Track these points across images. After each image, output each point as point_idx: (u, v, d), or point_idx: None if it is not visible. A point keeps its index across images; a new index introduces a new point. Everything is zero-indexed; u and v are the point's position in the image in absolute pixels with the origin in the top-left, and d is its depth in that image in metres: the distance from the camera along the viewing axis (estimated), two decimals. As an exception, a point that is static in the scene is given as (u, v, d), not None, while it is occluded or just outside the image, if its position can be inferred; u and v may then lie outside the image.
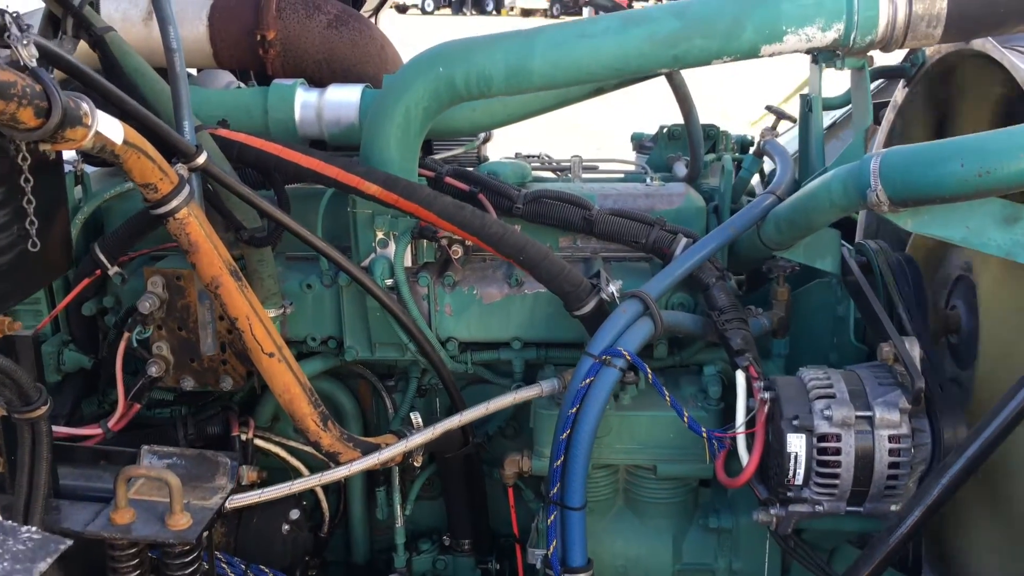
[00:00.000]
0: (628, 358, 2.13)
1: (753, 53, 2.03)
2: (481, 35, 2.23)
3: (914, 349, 2.02)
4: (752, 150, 2.77)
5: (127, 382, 2.33)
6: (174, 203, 1.90)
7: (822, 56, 2.09)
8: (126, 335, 2.28)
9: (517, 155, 3.23)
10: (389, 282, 2.35)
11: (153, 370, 2.31)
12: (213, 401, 2.57)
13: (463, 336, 2.47)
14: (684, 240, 2.37)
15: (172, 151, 1.98)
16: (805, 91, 2.77)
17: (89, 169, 2.64)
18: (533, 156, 3.16)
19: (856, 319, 2.47)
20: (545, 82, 2.18)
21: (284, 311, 2.37)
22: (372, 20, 4.04)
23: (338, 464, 2.17)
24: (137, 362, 2.41)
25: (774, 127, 2.65)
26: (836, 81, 3.05)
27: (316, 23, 2.80)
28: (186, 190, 1.93)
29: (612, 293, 2.23)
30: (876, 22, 1.96)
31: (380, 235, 2.36)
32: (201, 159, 1.98)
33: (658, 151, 3.16)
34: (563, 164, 2.97)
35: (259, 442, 2.55)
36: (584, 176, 2.98)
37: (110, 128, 1.68)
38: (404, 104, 2.24)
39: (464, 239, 2.28)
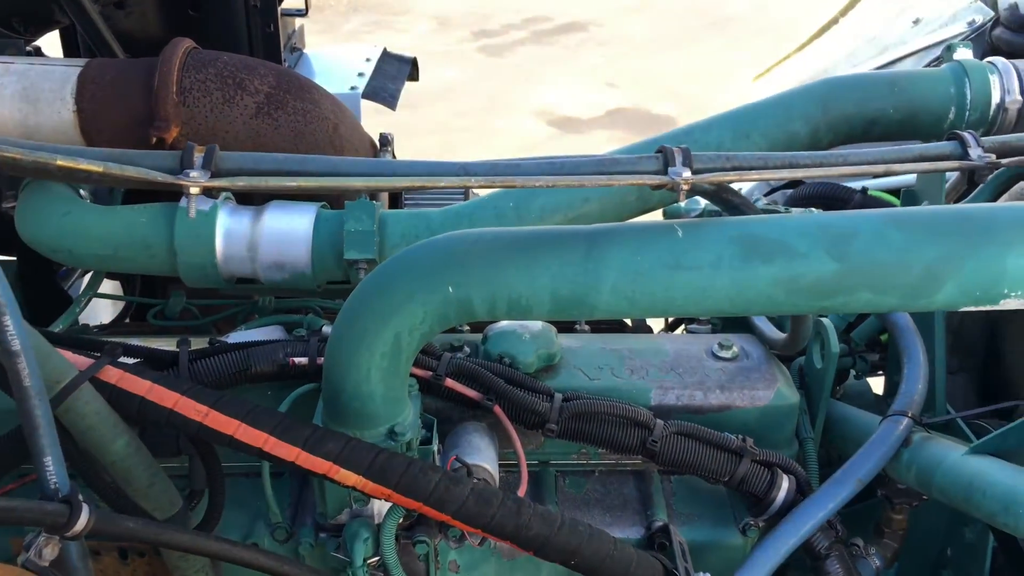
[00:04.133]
0: None
1: (948, 309, 1.32)
2: (512, 233, 1.44)
3: None
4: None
5: None
6: None
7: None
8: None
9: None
10: (373, 561, 1.65)
11: None
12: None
13: (475, 597, 1.82)
14: (786, 484, 1.72)
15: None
16: (910, 185, 2.06)
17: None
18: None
19: (993, 547, 1.89)
20: (612, 316, 1.43)
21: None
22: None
23: None
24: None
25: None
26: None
27: (239, 110, 1.94)
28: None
29: (696, 594, 1.59)
30: None
31: (359, 492, 1.64)
32: (80, 524, 1.20)
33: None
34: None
35: None
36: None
37: None
38: (394, 330, 1.47)
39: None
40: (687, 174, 1.35)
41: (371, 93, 3.43)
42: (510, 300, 1.42)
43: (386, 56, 3.95)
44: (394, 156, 2.46)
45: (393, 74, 3.91)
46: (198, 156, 1.19)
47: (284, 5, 3.53)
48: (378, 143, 2.41)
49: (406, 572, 1.69)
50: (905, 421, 1.70)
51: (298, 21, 3.88)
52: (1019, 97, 1.90)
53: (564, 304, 1.40)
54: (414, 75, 3.98)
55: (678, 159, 1.36)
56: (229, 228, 1.85)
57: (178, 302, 2.16)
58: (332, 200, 2.01)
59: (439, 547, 1.75)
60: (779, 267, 1.31)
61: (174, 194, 1.45)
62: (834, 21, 4.73)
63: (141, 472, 1.47)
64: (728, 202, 1.46)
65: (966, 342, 2.33)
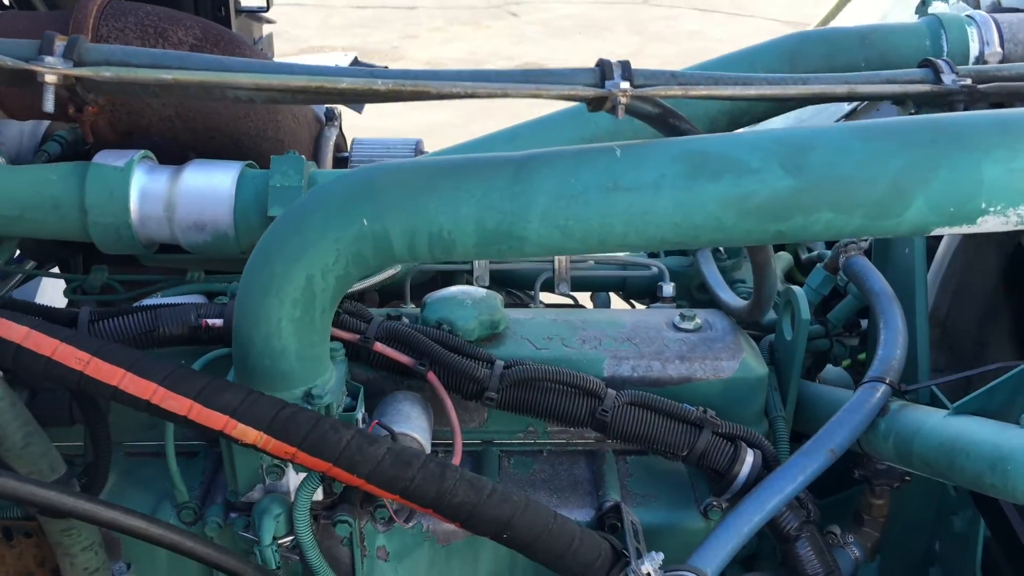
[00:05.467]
0: None
1: (916, 234, 1.17)
2: (434, 162, 1.29)
3: None
4: (826, 262, 1.90)
5: None
6: None
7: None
8: None
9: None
10: (286, 541, 1.46)
11: None
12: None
13: (407, 587, 1.63)
14: (751, 458, 1.54)
15: None
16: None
17: None
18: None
19: (986, 538, 1.70)
20: (544, 252, 1.27)
21: (116, 592, 1.49)
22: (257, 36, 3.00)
23: None
24: None
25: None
26: None
27: (163, 60, 1.78)
28: None
29: (647, 575, 1.40)
30: None
31: (270, 462, 1.46)
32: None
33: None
34: (543, 259, 2.08)
35: None
36: (574, 272, 2.10)
37: None
38: (305, 272, 1.31)
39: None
40: (625, 86, 1.20)
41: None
42: (431, 234, 1.26)
43: (356, 63, 3.84)
44: (342, 132, 2.32)
45: (363, 81, 3.79)
46: (59, 44, 1.05)
47: (245, 3, 3.43)
48: (324, 118, 2.28)
49: (328, 560, 1.51)
50: (882, 388, 1.53)
51: (266, 28, 3.77)
52: (999, 49, 1.77)
53: (491, 237, 1.25)
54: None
55: (616, 72, 1.22)
56: (145, 186, 1.69)
57: (99, 276, 2.00)
58: (261, 161, 1.86)
59: (366, 531, 1.57)
60: (728, 185, 1.16)
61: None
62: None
63: (15, 430, 1.30)
64: (675, 128, 1.31)
65: (952, 340, 2.17)
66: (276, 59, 3.74)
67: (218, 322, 1.57)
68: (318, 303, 1.35)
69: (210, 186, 1.71)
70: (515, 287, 2.16)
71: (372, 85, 1.11)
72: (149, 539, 1.30)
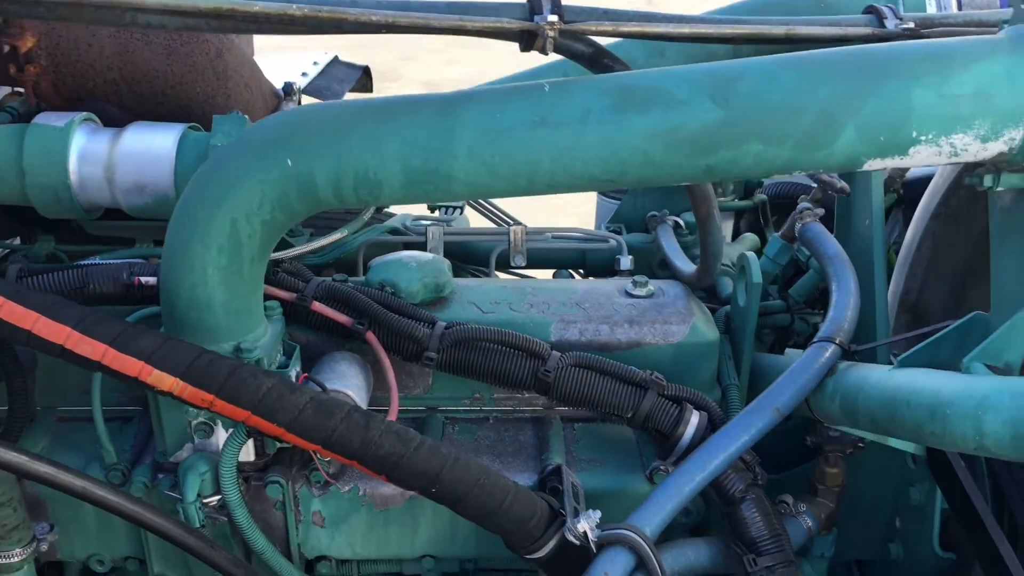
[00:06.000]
0: (613, 663, 1.28)
1: (849, 167, 1.13)
2: (360, 102, 1.26)
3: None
4: (782, 231, 1.87)
5: None
6: None
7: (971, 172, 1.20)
8: None
9: (431, 207, 2.29)
10: (214, 501, 1.41)
11: None
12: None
13: (343, 555, 1.58)
14: (696, 419, 1.50)
15: None
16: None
17: None
18: (455, 206, 2.22)
19: (943, 510, 1.65)
20: (472, 192, 1.24)
21: (36, 547, 1.43)
22: None
23: None
24: None
25: (817, 200, 1.76)
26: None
27: (107, 21, 1.75)
28: None
29: (583, 534, 1.35)
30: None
31: (198, 419, 1.41)
32: None
33: (632, 198, 2.25)
34: (499, 232, 2.04)
35: None
36: (530, 245, 2.06)
37: None
38: (228, 216, 1.28)
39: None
40: (554, 19, 1.17)
41: (313, 91, 3.28)
42: (357, 174, 1.22)
43: (336, 61, 3.82)
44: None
45: (341, 77, 3.77)
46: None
47: None
48: (282, 91, 2.25)
49: (261, 526, 1.47)
50: (831, 348, 1.49)
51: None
52: (956, 11, 1.75)
53: (417, 176, 1.21)
54: (368, 85, 3.85)
55: (546, 6, 1.18)
56: (85, 147, 1.65)
57: (44, 246, 1.96)
58: (206, 125, 1.83)
59: (300, 495, 1.52)
60: (656, 117, 1.13)
61: None
62: None
63: None
64: (607, 68, 1.27)
65: (922, 325, 2.14)
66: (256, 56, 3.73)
67: (152, 280, 1.53)
68: (245, 251, 1.31)
69: (151, 147, 1.67)
70: (470, 262, 2.12)
71: (287, 10, 1.08)
72: (66, 490, 1.25)
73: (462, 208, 2.28)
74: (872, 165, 1.12)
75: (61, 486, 1.26)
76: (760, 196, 2.24)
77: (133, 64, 1.79)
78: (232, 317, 1.37)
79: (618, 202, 2.28)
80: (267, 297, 1.51)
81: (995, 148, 1.09)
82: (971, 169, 1.19)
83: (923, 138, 1.08)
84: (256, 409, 1.23)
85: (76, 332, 1.22)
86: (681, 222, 2.11)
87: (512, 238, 1.99)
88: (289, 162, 1.23)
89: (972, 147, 1.09)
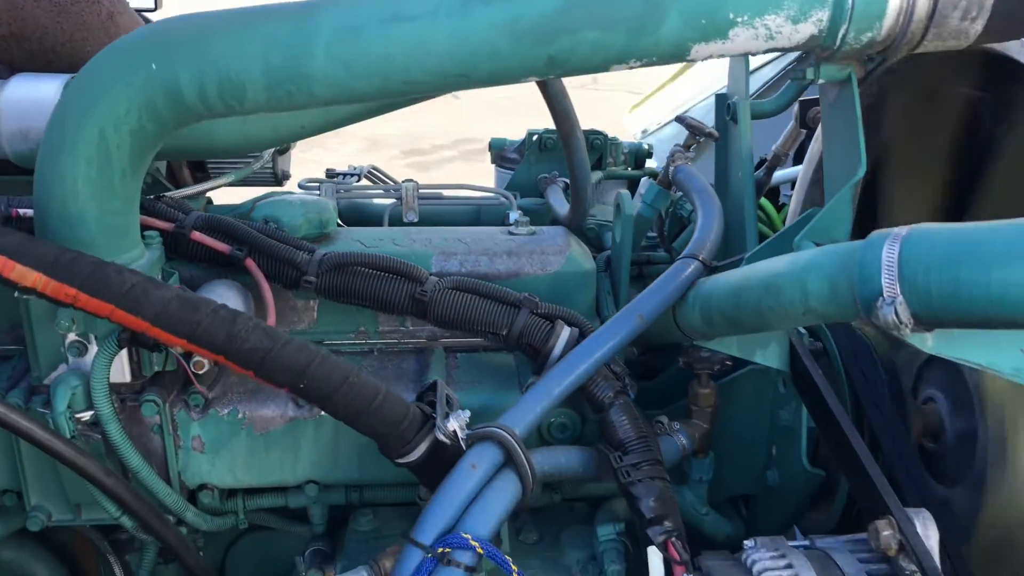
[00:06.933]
0: (480, 551, 1.30)
1: (679, 54, 1.22)
2: (223, 10, 1.32)
3: (930, 533, 1.28)
4: (658, 178, 1.96)
5: None
6: None
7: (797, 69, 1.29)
8: None
9: (328, 174, 2.34)
10: (86, 416, 1.42)
11: None
12: None
13: (225, 482, 1.58)
14: (566, 333, 1.55)
15: None
16: (721, 89, 1.99)
17: None
18: (352, 174, 2.27)
19: (809, 429, 1.73)
20: (333, 93, 1.29)
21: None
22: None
23: None
24: None
25: (688, 146, 1.87)
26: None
27: (-5, -23, 1.80)
28: None
29: (454, 432, 1.39)
30: (883, 11, 1.17)
31: (70, 337, 1.42)
32: None
33: (526, 166, 2.33)
34: (392, 190, 2.10)
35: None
36: (422, 206, 2.12)
37: None
38: (96, 126, 1.31)
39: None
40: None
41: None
42: (220, 76, 1.27)
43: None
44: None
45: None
46: None
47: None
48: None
49: (141, 451, 1.47)
50: (694, 264, 1.57)
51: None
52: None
53: (278, 76, 1.26)
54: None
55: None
56: (-30, 98, 1.68)
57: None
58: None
59: (179, 419, 1.53)
60: (498, 8, 1.20)
61: None
62: None
63: None
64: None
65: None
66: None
67: (30, 212, 1.55)
68: (115, 163, 1.34)
69: (34, 95, 1.70)
70: (364, 224, 2.16)
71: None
72: None
73: (359, 176, 2.34)
74: (698, 52, 1.21)
75: None
76: (651, 167, 2.35)
77: (23, 21, 1.82)
78: (106, 235, 1.39)
79: (512, 171, 2.36)
80: (146, 228, 1.54)
81: (806, 30, 1.19)
82: (798, 63, 1.28)
83: (739, 20, 1.17)
84: (120, 302, 1.25)
85: (-64, 232, 1.24)
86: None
87: (404, 195, 2.05)
88: (153, 66, 1.28)
89: (785, 29, 1.18)
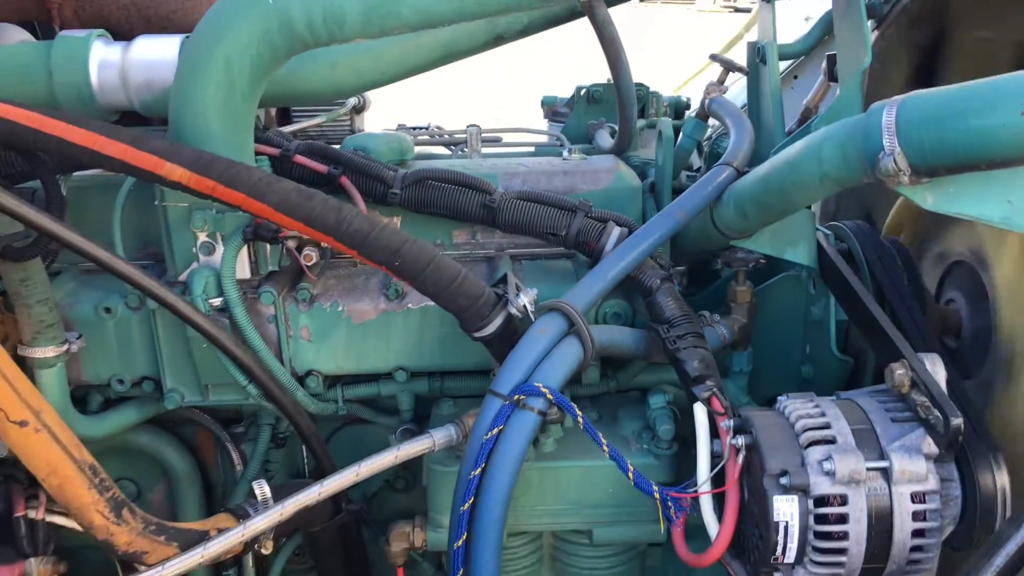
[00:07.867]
0: (550, 397, 1.54)
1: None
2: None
3: (938, 370, 1.49)
4: (694, 111, 2.19)
5: None
6: None
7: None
8: None
9: (400, 127, 2.61)
10: (217, 302, 1.69)
11: None
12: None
13: (328, 369, 1.84)
14: (617, 231, 1.79)
15: None
16: (752, 37, 2.22)
17: None
18: (420, 128, 2.54)
19: (839, 322, 1.93)
20: (419, 17, 1.55)
21: (67, 348, 1.69)
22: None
23: (145, 566, 1.52)
24: None
25: (721, 81, 2.10)
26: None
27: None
28: None
29: (524, 306, 1.63)
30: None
31: (202, 237, 1.70)
32: None
33: (575, 118, 2.57)
34: (457, 136, 2.36)
35: (56, 519, 1.87)
36: (484, 151, 2.38)
37: None
38: (223, 54, 1.59)
39: (316, 240, 1.65)
40: None
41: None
42: (325, 9, 1.54)
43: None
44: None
45: None
46: None
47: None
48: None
49: (262, 338, 1.74)
50: (728, 170, 1.79)
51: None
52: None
53: (372, 3, 1.53)
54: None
55: None
56: (104, 57, 1.96)
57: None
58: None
59: (289, 311, 1.79)
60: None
61: None
62: (739, 37, 5.07)
63: None
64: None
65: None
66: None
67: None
68: (237, 88, 1.62)
69: (157, 52, 1.99)
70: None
71: None
72: (91, 258, 1.50)
73: (426, 130, 2.60)
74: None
75: (85, 252, 1.49)
76: (691, 117, 2.57)
77: (144, -7, 2.13)
78: (228, 149, 1.66)
79: (563, 123, 2.61)
80: (257, 155, 1.81)
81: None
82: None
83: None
84: (250, 191, 1.52)
85: (103, 137, 1.52)
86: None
87: (469, 137, 2.31)
88: (270, 1, 1.55)
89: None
